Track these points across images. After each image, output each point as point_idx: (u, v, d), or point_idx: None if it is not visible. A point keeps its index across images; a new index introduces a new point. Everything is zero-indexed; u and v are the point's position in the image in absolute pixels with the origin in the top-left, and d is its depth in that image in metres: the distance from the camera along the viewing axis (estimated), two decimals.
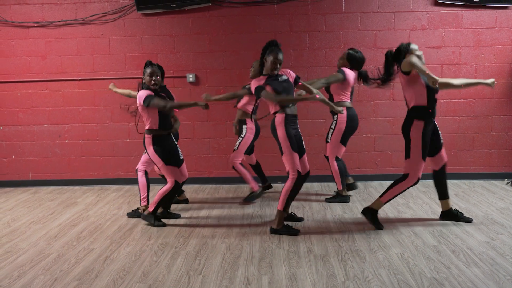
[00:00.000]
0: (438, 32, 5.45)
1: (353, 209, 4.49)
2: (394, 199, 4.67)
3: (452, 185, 5.34)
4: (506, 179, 5.50)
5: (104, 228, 4.09)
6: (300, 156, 3.90)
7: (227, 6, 5.45)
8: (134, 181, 5.65)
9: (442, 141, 3.98)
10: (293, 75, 3.93)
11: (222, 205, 4.80)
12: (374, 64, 5.46)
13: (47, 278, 3.05)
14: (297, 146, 3.82)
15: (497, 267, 3.05)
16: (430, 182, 5.42)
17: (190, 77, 5.53)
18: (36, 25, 5.53)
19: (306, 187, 5.40)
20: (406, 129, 3.80)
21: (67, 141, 5.74)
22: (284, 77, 3.86)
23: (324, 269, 3.09)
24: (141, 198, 4.37)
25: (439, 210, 4.35)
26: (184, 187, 5.56)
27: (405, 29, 5.46)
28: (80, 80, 5.62)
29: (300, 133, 3.91)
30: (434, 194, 4.93)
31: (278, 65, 3.78)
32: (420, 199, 4.78)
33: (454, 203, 4.61)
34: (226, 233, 3.88)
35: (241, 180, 5.63)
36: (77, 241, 3.78)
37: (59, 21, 5.53)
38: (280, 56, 3.79)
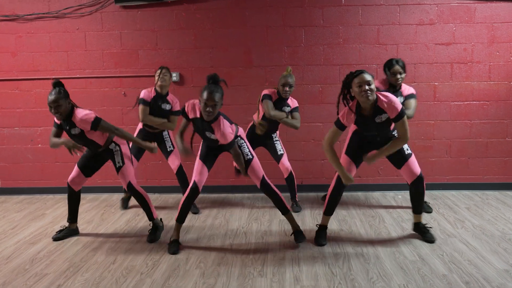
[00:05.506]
0: (448, 27, 4.91)
1: (351, 225, 3.96)
2: (398, 213, 4.26)
3: (463, 197, 4.79)
4: None
5: (66, 248, 3.59)
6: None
7: None
8: (112, 189, 5.22)
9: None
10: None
11: (205, 218, 4.28)
12: (377, 62, 4.94)
13: None
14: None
15: None
16: (438, 193, 4.92)
17: (174, 76, 5.02)
18: (5, 18, 5.05)
19: (300, 197, 4.88)
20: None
21: (40, 145, 5.25)
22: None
23: None
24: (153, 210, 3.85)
25: (448, 227, 3.83)
26: (166, 197, 5.08)
27: (411, 23, 4.92)
28: (54, 79, 5.12)
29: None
30: (444, 208, 4.41)
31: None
32: (427, 213, 4.24)
33: (466, 218, 4.07)
34: (203, 255, 3.37)
35: (227, 189, 5.15)
36: (31, 264, 3.28)
37: (30, 14, 5.04)
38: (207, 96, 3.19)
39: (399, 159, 3.48)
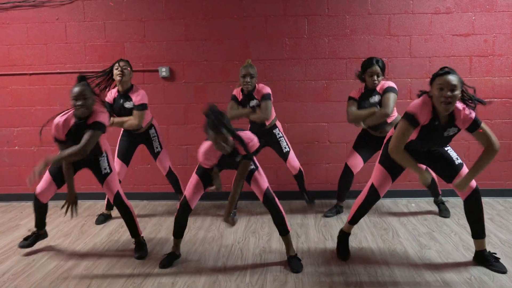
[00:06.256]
0: (467, 16, 4.43)
1: (362, 240, 3.50)
2: (413, 224, 3.77)
3: (484, 205, 4.22)
4: None
5: (36, 268, 3.13)
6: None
7: None
8: (97, 196, 4.76)
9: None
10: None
11: (197, 231, 3.83)
12: (387, 55, 4.47)
13: None
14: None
15: None
16: (456, 200, 4.42)
17: (163, 71, 4.56)
18: None
19: (303, 204, 4.42)
20: None
21: (17, 147, 4.79)
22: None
23: None
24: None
25: (472, 243, 3.35)
26: (155, 204, 4.63)
27: (426, 12, 4.44)
28: (31, 74, 4.67)
29: None
30: (463, 218, 3.94)
31: None
32: (446, 226, 3.78)
33: (491, 231, 3.61)
34: (191, 279, 2.91)
35: (222, 196, 4.69)
36: None
37: (5, 3, 4.57)
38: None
39: (450, 171, 2.91)
